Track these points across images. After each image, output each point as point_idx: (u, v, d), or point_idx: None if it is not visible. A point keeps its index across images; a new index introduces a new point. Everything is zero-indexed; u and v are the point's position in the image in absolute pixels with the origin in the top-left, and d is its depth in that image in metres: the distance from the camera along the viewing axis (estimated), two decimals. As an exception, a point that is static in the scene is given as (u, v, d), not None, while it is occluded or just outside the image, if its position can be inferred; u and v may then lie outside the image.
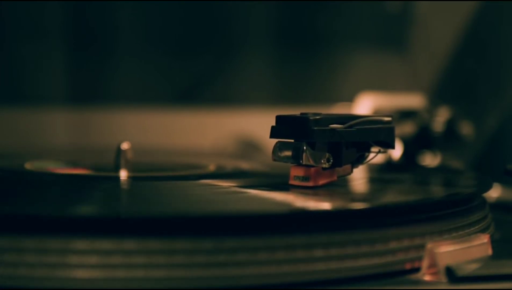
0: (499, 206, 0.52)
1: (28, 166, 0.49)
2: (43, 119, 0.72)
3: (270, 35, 0.78)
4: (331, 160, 0.39)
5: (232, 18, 0.77)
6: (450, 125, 0.61)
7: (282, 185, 0.40)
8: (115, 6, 0.74)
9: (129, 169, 0.46)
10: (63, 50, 0.73)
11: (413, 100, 0.64)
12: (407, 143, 0.60)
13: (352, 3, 0.79)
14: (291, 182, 0.39)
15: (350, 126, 0.39)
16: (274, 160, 0.40)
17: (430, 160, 0.60)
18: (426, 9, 0.79)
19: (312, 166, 0.39)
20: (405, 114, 0.62)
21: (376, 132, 0.40)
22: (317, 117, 0.38)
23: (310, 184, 0.39)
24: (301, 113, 0.39)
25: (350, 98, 0.69)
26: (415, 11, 0.80)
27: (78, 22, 0.74)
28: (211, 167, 0.50)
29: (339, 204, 0.37)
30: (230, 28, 0.78)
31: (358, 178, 0.45)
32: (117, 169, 0.46)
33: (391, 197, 0.42)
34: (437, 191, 0.46)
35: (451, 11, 0.76)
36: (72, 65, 0.73)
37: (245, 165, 0.53)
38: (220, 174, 0.48)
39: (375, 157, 0.42)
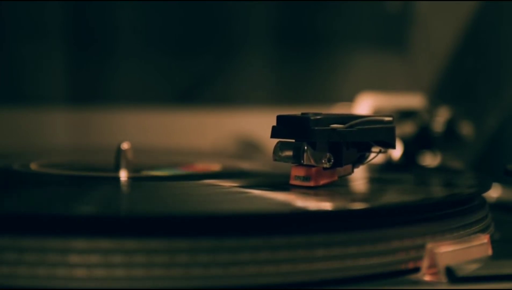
0: (499, 206, 0.52)
1: (28, 166, 0.49)
2: (43, 119, 0.72)
3: (270, 35, 0.78)
4: (332, 160, 0.39)
5: (232, 18, 0.77)
6: (450, 125, 0.61)
7: (283, 185, 0.40)
8: (115, 6, 0.74)
9: (129, 169, 0.46)
10: (63, 50, 0.73)
11: (413, 100, 0.64)
12: (407, 143, 0.60)
13: (352, 3, 0.79)
14: (292, 182, 0.39)
15: (351, 126, 0.39)
16: (275, 160, 0.40)
17: (430, 160, 0.60)
18: (426, 9, 0.79)
19: (313, 166, 0.39)
20: (405, 114, 0.62)
21: (376, 132, 0.40)
22: (318, 117, 0.38)
23: (311, 184, 0.39)
24: (302, 113, 0.39)
25: (350, 98, 0.69)
26: (415, 11, 0.80)
27: (78, 22, 0.74)
28: (212, 167, 0.50)
29: (340, 204, 0.37)
30: (230, 28, 0.78)
31: (359, 178, 0.45)
32: (117, 169, 0.46)
33: (391, 197, 0.42)
34: (437, 191, 0.46)
35: (451, 11, 0.76)
36: (72, 65, 0.73)
37: (245, 165, 0.53)
38: (220, 174, 0.48)
39: (376, 157, 0.42)
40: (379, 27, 0.80)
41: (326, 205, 0.36)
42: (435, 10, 0.78)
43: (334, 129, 0.39)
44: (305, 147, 0.38)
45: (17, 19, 0.72)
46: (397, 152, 0.59)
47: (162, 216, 0.32)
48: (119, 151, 0.46)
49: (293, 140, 0.39)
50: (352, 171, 0.41)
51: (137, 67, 0.75)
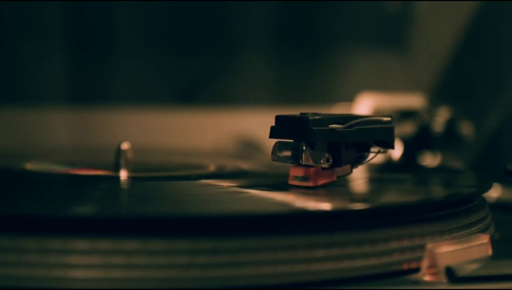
0: (499, 206, 0.52)
1: (28, 166, 0.49)
2: (43, 119, 0.72)
3: (270, 35, 0.78)
4: (331, 160, 0.39)
5: (232, 18, 0.77)
6: (450, 125, 0.61)
7: (282, 185, 0.40)
8: (115, 6, 0.74)
9: (129, 169, 0.46)
10: (63, 50, 0.73)
11: (413, 100, 0.64)
12: (407, 143, 0.60)
13: (352, 3, 0.79)
14: (291, 182, 0.39)
15: (350, 126, 0.39)
16: (274, 160, 0.40)
17: (430, 160, 0.60)
18: (426, 9, 0.79)
19: (312, 166, 0.39)
20: (405, 114, 0.62)
21: (375, 132, 0.40)
22: (316, 117, 0.38)
23: (310, 184, 0.39)
24: (301, 113, 0.39)
25: (350, 98, 0.69)
26: (415, 11, 0.80)
27: (78, 22, 0.74)
28: (211, 167, 0.50)
29: (339, 204, 0.37)
30: (230, 28, 0.78)
31: (358, 178, 0.45)
32: (117, 169, 0.46)
33: (391, 197, 0.42)
34: (437, 191, 0.46)
35: (451, 11, 0.76)
36: (72, 65, 0.73)
37: (245, 165, 0.53)
38: (220, 174, 0.48)
39: (375, 157, 0.41)
40: (379, 27, 0.80)
41: (326, 206, 0.36)
42: (435, 10, 0.78)
43: (332, 129, 0.38)
44: (304, 147, 0.38)
45: (17, 19, 0.72)
46: (397, 152, 0.59)
47: (161, 217, 0.32)
48: (119, 151, 0.46)
49: (292, 140, 0.39)
50: (351, 171, 0.41)
51: (137, 67, 0.75)
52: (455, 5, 0.75)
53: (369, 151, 0.41)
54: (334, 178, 0.40)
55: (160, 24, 0.76)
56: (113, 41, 0.75)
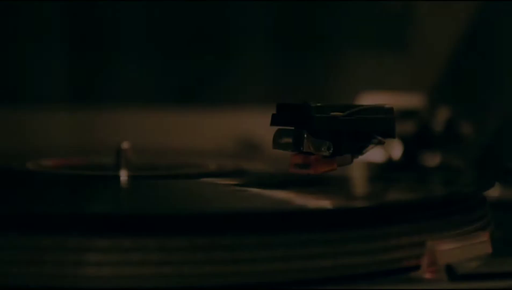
0: (499, 205, 0.52)
1: (28, 166, 0.49)
2: (43, 119, 0.72)
3: (270, 35, 0.78)
4: (332, 148, 0.39)
5: (232, 18, 0.77)
6: (450, 125, 0.61)
7: (282, 183, 0.40)
8: (115, 6, 0.74)
9: (129, 168, 0.46)
10: (63, 50, 0.73)
11: (413, 100, 0.64)
12: (407, 143, 0.60)
13: (352, 3, 0.79)
14: (291, 170, 0.39)
15: (351, 114, 0.39)
16: (274, 147, 0.39)
17: (430, 159, 0.60)
18: (426, 9, 0.79)
19: (313, 154, 0.39)
20: (405, 114, 0.62)
21: (376, 121, 0.40)
22: (318, 104, 0.38)
23: (311, 171, 0.38)
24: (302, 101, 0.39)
25: (350, 98, 0.69)
26: (415, 11, 0.80)
27: (78, 22, 0.74)
28: (211, 167, 0.50)
29: (339, 202, 0.37)
30: (230, 28, 0.78)
31: (359, 176, 0.45)
32: (117, 168, 0.46)
33: (391, 195, 0.42)
34: (437, 189, 0.46)
35: (451, 11, 0.76)
36: (72, 65, 0.73)
37: (245, 164, 0.53)
38: (219, 173, 0.48)
39: (376, 146, 0.41)
40: (379, 27, 0.80)
41: (326, 203, 0.36)
42: (435, 10, 0.78)
43: (334, 117, 0.38)
44: (305, 135, 0.38)
45: (17, 19, 0.72)
46: (397, 152, 0.59)
47: (161, 215, 0.32)
48: (119, 151, 0.46)
49: (293, 128, 0.39)
50: (352, 161, 0.41)
51: (137, 67, 0.75)
52: (455, 5, 0.75)
53: (370, 141, 0.41)
54: (335, 167, 0.40)
55: (160, 24, 0.76)
56: (113, 41, 0.75)
